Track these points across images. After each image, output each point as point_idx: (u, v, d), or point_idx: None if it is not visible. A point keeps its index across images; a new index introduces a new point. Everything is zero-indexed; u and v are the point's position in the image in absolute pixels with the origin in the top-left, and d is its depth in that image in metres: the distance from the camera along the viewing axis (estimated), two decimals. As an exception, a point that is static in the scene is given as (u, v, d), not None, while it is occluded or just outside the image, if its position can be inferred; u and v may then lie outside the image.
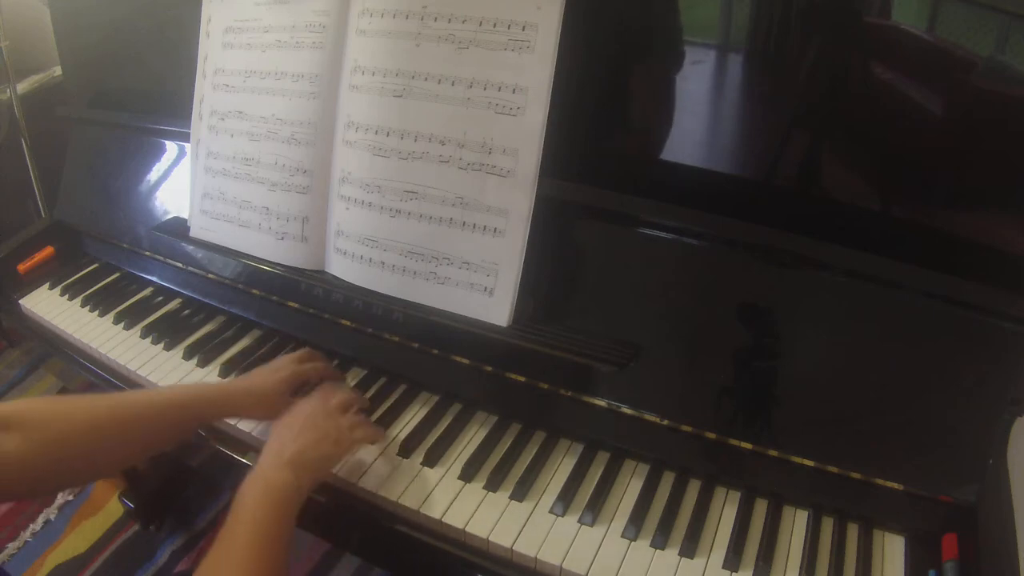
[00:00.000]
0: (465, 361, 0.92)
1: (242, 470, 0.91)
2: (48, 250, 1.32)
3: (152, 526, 1.61)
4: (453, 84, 0.85)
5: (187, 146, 1.13)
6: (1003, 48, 0.69)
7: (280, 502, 0.71)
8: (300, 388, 0.93)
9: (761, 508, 0.80)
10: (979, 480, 0.71)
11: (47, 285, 1.26)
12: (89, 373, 1.10)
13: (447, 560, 0.79)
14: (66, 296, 1.22)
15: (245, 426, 0.92)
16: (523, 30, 0.81)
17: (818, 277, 0.77)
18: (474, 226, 0.86)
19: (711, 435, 0.80)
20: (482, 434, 0.90)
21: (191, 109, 1.09)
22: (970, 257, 0.75)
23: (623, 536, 0.77)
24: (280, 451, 0.76)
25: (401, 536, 0.81)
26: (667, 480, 0.83)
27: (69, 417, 0.74)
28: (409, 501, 0.81)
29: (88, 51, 1.32)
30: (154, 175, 1.22)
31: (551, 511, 0.80)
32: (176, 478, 1.66)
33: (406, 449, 0.87)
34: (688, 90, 0.83)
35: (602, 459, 0.86)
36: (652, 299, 0.83)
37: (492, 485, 0.82)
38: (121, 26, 1.23)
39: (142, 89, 1.25)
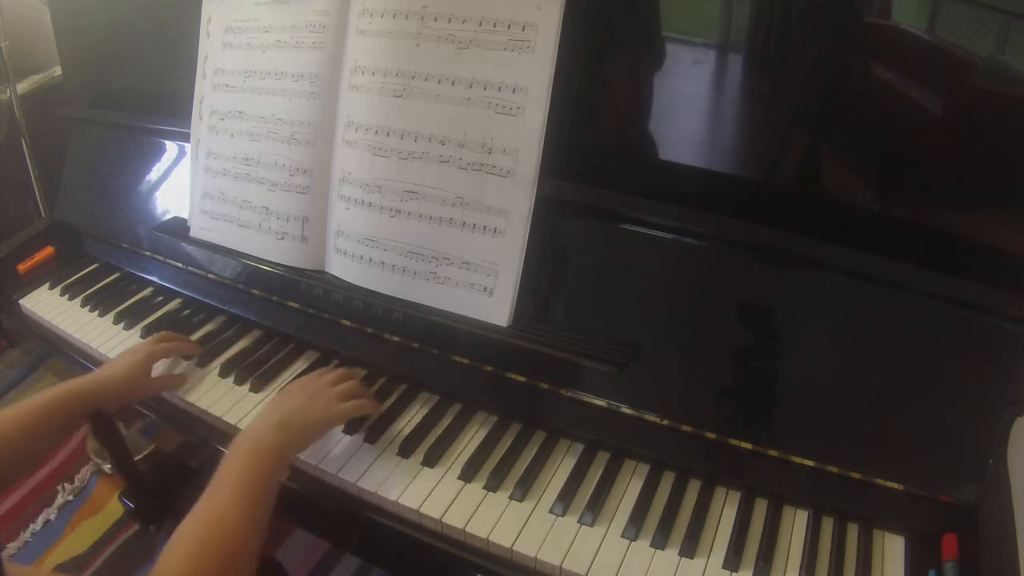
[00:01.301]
0: (465, 361, 0.92)
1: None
2: (48, 250, 1.32)
3: (152, 526, 1.60)
4: (453, 84, 0.85)
5: (187, 146, 1.13)
6: (1003, 48, 0.69)
7: (266, 459, 0.76)
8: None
9: (761, 508, 0.80)
10: (979, 480, 0.71)
11: (47, 285, 1.26)
12: (89, 373, 1.11)
13: (447, 560, 0.79)
14: (66, 296, 1.22)
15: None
16: (523, 30, 0.81)
17: (818, 277, 0.77)
18: (474, 226, 0.86)
19: (711, 435, 0.80)
20: (482, 434, 0.90)
21: (191, 109, 1.09)
22: (970, 257, 0.75)
23: (623, 536, 0.77)
24: (271, 413, 0.82)
25: (401, 536, 0.81)
26: (667, 480, 0.83)
27: None
28: (409, 501, 0.81)
29: (88, 51, 1.32)
30: (154, 175, 1.22)
31: (551, 511, 0.80)
32: (176, 478, 1.65)
33: (406, 449, 0.87)
34: (688, 90, 0.83)
35: (602, 459, 0.86)
36: (652, 299, 0.83)
37: (492, 485, 0.82)
38: (121, 26, 1.23)
39: (142, 89, 1.24)
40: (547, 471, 0.85)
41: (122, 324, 1.14)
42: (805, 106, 0.79)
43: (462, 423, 0.92)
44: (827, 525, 0.78)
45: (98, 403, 0.94)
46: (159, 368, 1.02)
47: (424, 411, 0.94)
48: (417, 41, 0.86)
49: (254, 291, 1.07)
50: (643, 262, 0.84)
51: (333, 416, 0.85)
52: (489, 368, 0.90)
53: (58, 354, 1.16)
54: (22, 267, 1.28)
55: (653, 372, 0.82)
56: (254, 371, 1.01)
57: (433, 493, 0.82)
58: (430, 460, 0.86)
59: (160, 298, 1.21)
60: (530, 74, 0.81)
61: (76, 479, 1.74)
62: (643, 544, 0.76)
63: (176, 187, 1.17)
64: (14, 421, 0.85)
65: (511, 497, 0.81)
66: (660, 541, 0.76)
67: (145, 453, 1.70)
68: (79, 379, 0.94)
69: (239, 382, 1.00)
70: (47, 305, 1.22)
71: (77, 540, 1.59)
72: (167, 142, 1.19)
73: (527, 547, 0.76)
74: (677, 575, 0.73)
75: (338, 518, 0.86)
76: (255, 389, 0.99)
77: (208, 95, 1.07)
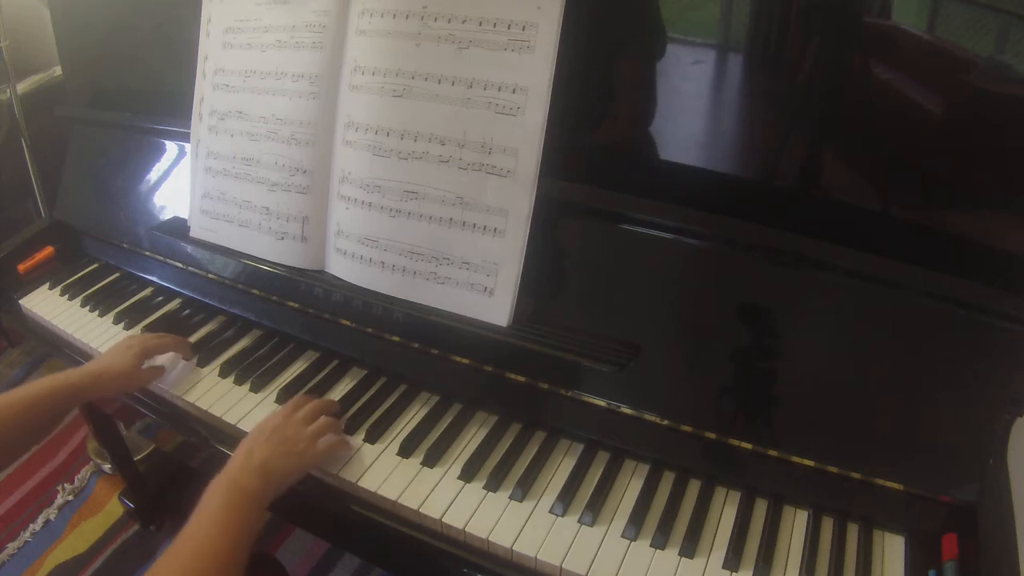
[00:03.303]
0: (465, 361, 0.92)
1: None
2: (48, 250, 1.32)
3: (152, 526, 1.61)
4: (453, 84, 0.85)
5: (187, 146, 1.13)
6: (1003, 48, 0.69)
7: (245, 504, 0.74)
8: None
9: (761, 508, 0.80)
10: (979, 480, 0.71)
11: (47, 285, 1.26)
12: (89, 373, 1.10)
13: (447, 560, 0.79)
14: (66, 296, 1.22)
15: (246, 427, 0.93)
16: (523, 30, 0.81)
17: (818, 277, 0.77)
18: (474, 226, 0.86)
19: (711, 435, 0.80)
20: (482, 434, 0.90)
21: (191, 109, 1.09)
22: (970, 257, 0.75)
23: (623, 536, 0.77)
24: (249, 455, 0.79)
25: (401, 536, 0.81)
26: (667, 480, 0.83)
27: None
28: (409, 501, 0.81)
29: (88, 51, 1.32)
30: (154, 175, 1.22)
31: (551, 511, 0.80)
32: (176, 478, 1.66)
33: (406, 449, 0.87)
34: (688, 90, 0.83)
35: (602, 459, 0.86)
36: (652, 299, 0.83)
37: (492, 485, 0.82)
38: (121, 26, 1.23)
39: (142, 89, 1.25)
40: (547, 471, 0.85)
41: (122, 324, 1.14)
42: (805, 106, 0.79)
43: (462, 423, 0.92)
44: (827, 525, 0.78)
45: (91, 395, 0.95)
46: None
47: (424, 411, 0.94)
48: (417, 41, 0.86)
49: (254, 291, 1.08)
50: (643, 262, 0.84)
51: (310, 459, 0.82)
52: (489, 368, 0.90)
53: (58, 354, 1.17)
54: (22, 267, 1.28)
55: (653, 372, 0.82)
56: (254, 371, 1.01)
57: (433, 493, 0.82)
58: (430, 460, 0.86)
59: (160, 298, 1.21)
60: (530, 74, 0.81)
61: (76, 479, 1.75)
62: (643, 544, 0.76)
63: (176, 187, 1.17)
64: (5, 408, 0.86)
65: (511, 497, 0.81)
66: (660, 541, 0.76)
67: (145, 453, 1.70)
68: (73, 370, 0.95)
69: (239, 382, 1.00)
70: (47, 305, 1.22)
71: (77, 540, 1.60)
72: (167, 142, 1.19)
73: (527, 547, 0.76)
74: (677, 575, 0.73)
75: (338, 518, 0.86)
76: (255, 389, 0.99)
77: (208, 95, 1.07)
